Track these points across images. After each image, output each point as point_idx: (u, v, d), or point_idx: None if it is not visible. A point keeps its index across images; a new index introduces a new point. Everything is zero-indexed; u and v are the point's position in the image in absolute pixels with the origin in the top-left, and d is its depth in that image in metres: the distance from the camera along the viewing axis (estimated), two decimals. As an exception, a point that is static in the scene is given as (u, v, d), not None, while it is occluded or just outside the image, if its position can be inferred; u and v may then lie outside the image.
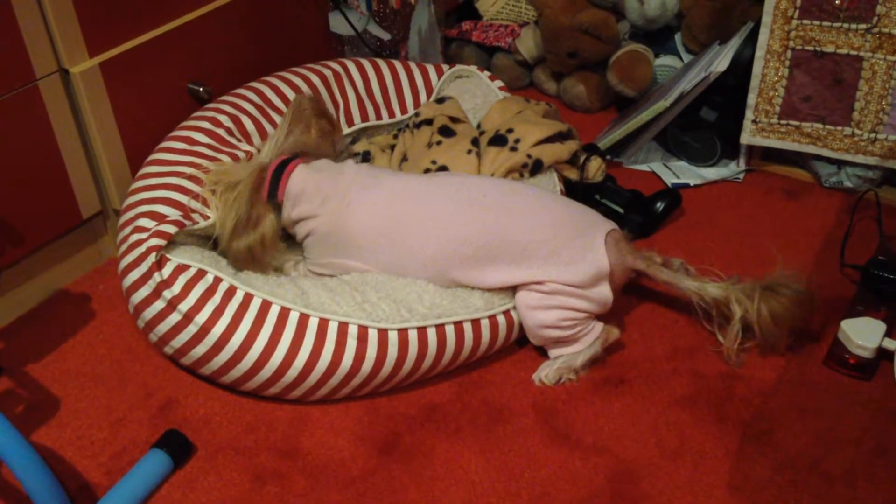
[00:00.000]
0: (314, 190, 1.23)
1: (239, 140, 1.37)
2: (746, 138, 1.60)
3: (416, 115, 1.54)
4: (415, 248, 1.20)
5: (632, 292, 1.34)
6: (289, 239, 1.29)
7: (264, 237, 1.22)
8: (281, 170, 1.24)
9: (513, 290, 1.22)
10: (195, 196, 1.26)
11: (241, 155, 1.34)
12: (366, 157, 1.52)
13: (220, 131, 1.36)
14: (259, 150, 1.33)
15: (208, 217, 1.25)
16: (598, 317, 1.22)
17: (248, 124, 1.40)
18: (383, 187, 1.24)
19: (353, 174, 1.26)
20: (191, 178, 1.27)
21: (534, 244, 1.18)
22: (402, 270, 1.22)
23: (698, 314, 1.24)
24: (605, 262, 1.17)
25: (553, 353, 1.22)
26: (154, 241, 1.17)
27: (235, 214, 1.21)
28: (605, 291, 1.19)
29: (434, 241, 1.20)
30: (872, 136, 1.50)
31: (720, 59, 1.54)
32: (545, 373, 1.20)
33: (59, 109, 1.27)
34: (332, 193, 1.23)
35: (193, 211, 1.24)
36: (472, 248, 1.19)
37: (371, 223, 1.22)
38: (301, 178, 1.24)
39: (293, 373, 1.12)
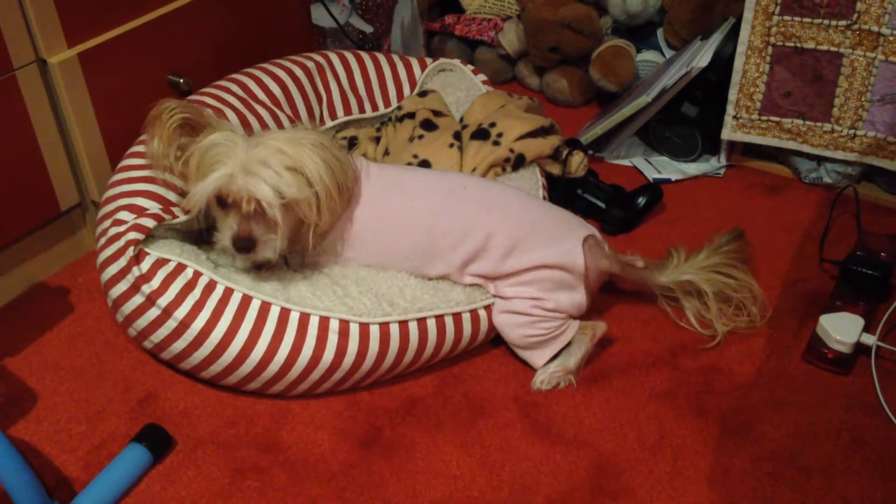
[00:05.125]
0: None
1: (221, 134, 1.36)
2: (727, 134, 1.61)
3: (399, 108, 1.53)
4: (397, 239, 1.20)
5: (610, 288, 1.34)
6: None
7: None
8: None
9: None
10: (177, 190, 1.25)
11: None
12: (352, 143, 1.52)
13: (203, 124, 1.35)
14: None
15: (188, 212, 1.24)
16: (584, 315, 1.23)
17: (232, 117, 1.39)
18: (369, 181, 1.23)
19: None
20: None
21: (512, 240, 1.18)
22: (386, 261, 1.21)
23: (679, 310, 1.26)
24: (581, 261, 1.18)
25: (536, 361, 1.21)
26: (132, 235, 1.16)
27: None
28: (576, 296, 1.19)
29: (415, 233, 1.20)
30: (852, 132, 1.51)
31: (702, 55, 1.54)
32: (541, 378, 1.19)
33: (37, 100, 1.26)
34: None
35: (174, 205, 1.23)
36: (451, 241, 1.19)
37: (360, 216, 1.22)
38: None
39: (274, 368, 1.12)
